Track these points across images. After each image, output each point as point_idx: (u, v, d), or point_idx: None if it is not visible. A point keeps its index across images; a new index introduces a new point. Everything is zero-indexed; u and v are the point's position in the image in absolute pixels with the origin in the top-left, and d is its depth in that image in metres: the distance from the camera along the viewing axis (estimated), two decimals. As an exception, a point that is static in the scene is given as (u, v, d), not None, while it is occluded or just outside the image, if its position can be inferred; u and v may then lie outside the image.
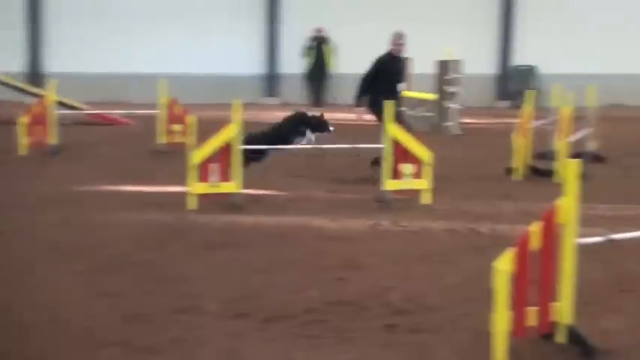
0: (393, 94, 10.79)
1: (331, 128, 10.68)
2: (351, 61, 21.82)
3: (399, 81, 11.36)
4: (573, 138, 11.34)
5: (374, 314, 5.54)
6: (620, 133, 15.40)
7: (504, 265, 4.55)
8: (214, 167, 8.86)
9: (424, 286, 6.14)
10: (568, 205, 4.73)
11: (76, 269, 6.58)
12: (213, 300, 5.81)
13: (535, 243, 4.68)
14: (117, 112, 16.46)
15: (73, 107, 16.40)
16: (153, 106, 13.78)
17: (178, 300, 5.82)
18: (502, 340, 4.55)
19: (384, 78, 11.00)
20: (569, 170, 4.75)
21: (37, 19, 22.63)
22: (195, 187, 8.83)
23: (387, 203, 8.94)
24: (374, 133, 14.54)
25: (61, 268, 6.62)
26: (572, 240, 4.76)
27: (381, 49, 18.72)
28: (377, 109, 10.41)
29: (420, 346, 4.98)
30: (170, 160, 12.12)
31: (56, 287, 6.11)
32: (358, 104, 11.10)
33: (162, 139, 13.01)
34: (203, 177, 8.83)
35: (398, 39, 11.37)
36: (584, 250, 4.84)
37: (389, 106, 9.07)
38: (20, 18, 22.54)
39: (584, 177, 9.49)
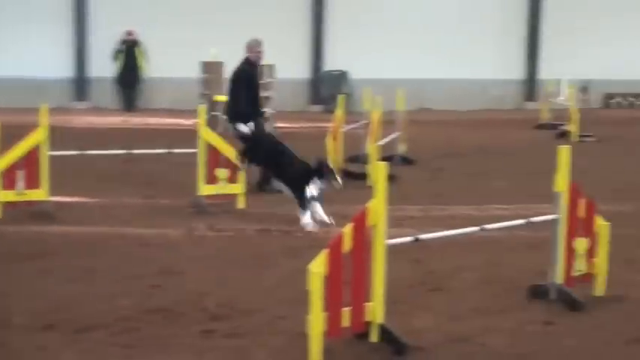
0: (258, 104, 10.74)
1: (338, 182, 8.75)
2: (163, 65, 21.68)
3: (259, 90, 10.99)
4: (383, 141, 11.70)
5: (190, 320, 5.50)
6: (427, 137, 16.06)
7: (318, 267, 4.63)
8: (20, 174, 8.49)
9: (240, 290, 6.16)
10: (377, 207, 4.88)
11: None
12: (20, 313, 5.57)
13: (347, 245, 4.80)
14: None
15: None
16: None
17: (-17, 314, 5.54)
18: (317, 341, 4.63)
19: (248, 88, 10.46)
20: (378, 173, 4.90)
21: None
22: (1, 195, 8.42)
23: (202, 208, 8.89)
24: (188, 137, 14.49)
25: None
26: (382, 241, 4.92)
27: (192, 53, 18.77)
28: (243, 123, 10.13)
29: (236, 351, 4.99)
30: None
31: None
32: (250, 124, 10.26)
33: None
34: (8, 184, 8.44)
35: (257, 46, 10.67)
36: (393, 251, 5.01)
37: (202, 111, 9.05)
38: None
39: (394, 179, 9.88)
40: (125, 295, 5.98)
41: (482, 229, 5.78)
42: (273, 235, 7.98)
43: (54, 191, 8.71)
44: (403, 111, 13.03)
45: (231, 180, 9.11)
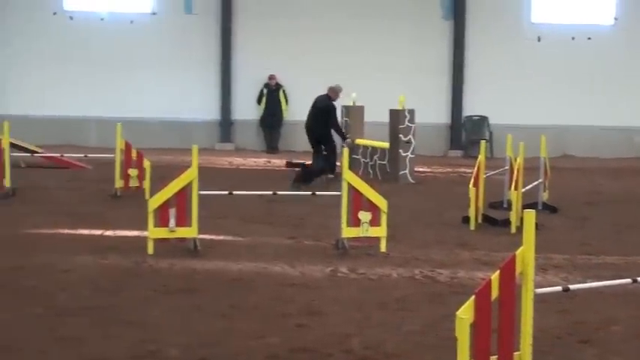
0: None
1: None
2: (304, 108, 22.14)
3: None
4: (526, 188, 11.56)
5: (336, 361, 5.58)
6: (569, 184, 15.74)
7: (466, 313, 4.63)
8: (172, 212, 8.86)
9: (384, 334, 6.21)
10: (526, 255, 4.84)
11: (35, 313, 6.53)
12: (173, 346, 5.80)
13: (495, 292, 4.78)
14: (72, 155, 16.36)
15: (27, 150, 16.28)
16: (110, 151, 13.76)
17: (138, 345, 5.81)
18: (464, 387, 4.60)
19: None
20: (526, 220, 4.87)
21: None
22: (153, 232, 8.82)
23: (345, 250, 9.02)
24: (329, 180, 14.76)
25: (19, 311, 6.55)
26: (530, 289, 4.87)
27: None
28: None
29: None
30: (126, 204, 12.09)
31: (15, 331, 6.05)
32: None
33: (118, 184, 12.96)
34: (161, 221, 8.82)
35: (340, 92, 15.80)
36: (539, 299, 4.95)
37: (345, 153, 9.22)
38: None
39: (538, 227, 9.72)
40: (272, 333, 6.14)
41: (634, 282, 5.62)
42: (415, 279, 8.00)
43: (202, 229, 9.03)
44: (546, 157, 12.84)
45: (374, 223, 9.19)
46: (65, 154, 16.60)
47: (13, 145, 13.45)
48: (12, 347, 5.71)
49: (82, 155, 15.18)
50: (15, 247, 9.01)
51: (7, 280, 7.58)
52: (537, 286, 4.92)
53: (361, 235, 9.19)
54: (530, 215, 4.88)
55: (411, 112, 16.13)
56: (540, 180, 12.51)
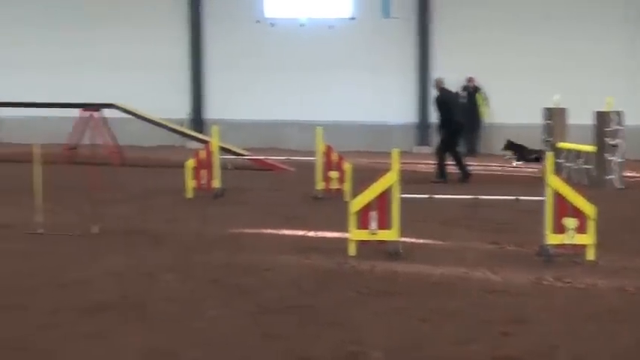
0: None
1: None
2: (503, 111, 21.78)
3: None
4: None
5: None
6: None
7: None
8: (373, 215, 8.91)
9: (595, 347, 5.92)
10: None
11: (242, 309, 6.74)
12: (375, 348, 5.81)
13: None
14: (276, 158, 16.88)
15: (234, 153, 16.95)
16: (310, 153, 14.09)
17: (340, 346, 5.86)
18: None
19: None
20: None
21: (200, 69, 23.64)
22: (355, 234, 8.90)
23: (549, 258, 8.71)
24: (531, 183, 14.36)
25: (227, 308, 6.80)
26: None
27: (535, 99, 18.72)
28: None
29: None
30: (327, 206, 12.31)
31: (223, 327, 6.28)
32: None
33: (319, 186, 13.22)
34: (362, 224, 8.90)
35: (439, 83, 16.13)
36: None
37: (549, 158, 8.93)
38: (186, 69, 23.65)
39: None
40: (476, 340, 6.02)
41: None
42: (626, 291, 7.58)
43: (403, 232, 9.02)
44: None
45: (580, 230, 8.82)
46: (269, 157, 17.16)
47: (221, 148, 14.05)
48: (225, 342, 5.93)
49: (285, 158, 15.62)
50: (223, 246, 9.38)
51: (218, 276, 7.89)
52: None
53: (566, 242, 8.85)
54: None
55: (620, 113, 15.41)
56: None
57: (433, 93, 16.65)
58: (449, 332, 6.23)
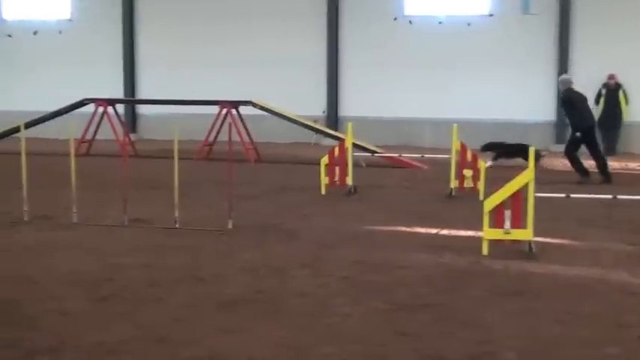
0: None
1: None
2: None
3: None
4: None
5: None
6: None
7: None
8: (507, 214, 8.83)
9: None
10: None
11: (374, 307, 6.84)
12: (509, 349, 5.78)
13: None
14: (409, 155, 16.90)
15: (368, 150, 17.08)
16: (443, 151, 14.04)
17: (474, 346, 5.86)
18: None
19: None
20: None
21: (336, 66, 23.88)
22: (488, 233, 8.85)
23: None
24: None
25: (359, 305, 6.90)
26: None
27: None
28: None
29: None
30: (461, 205, 12.26)
31: (355, 324, 6.39)
32: None
33: (453, 184, 13.18)
34: (496, 223, 8.83)
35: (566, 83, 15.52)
36: None
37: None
38: (322, 66, 23.96)
39: None
40: (612, 344, 5.89)
41: None
42: None
43: (537, 232, 8.89)
44: None
45: None
46: (403, 154, 17.20)
47: (355, 146, 14.19)
48: (357, 339, 6.04)
49: (419, 155, 15.63)
50: (356, 243, 9.50)
51: (351, 273, 8.00)
52: None
53: None
54: None
55: None
56: None
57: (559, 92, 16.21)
58: (583, 335, 6.13)
